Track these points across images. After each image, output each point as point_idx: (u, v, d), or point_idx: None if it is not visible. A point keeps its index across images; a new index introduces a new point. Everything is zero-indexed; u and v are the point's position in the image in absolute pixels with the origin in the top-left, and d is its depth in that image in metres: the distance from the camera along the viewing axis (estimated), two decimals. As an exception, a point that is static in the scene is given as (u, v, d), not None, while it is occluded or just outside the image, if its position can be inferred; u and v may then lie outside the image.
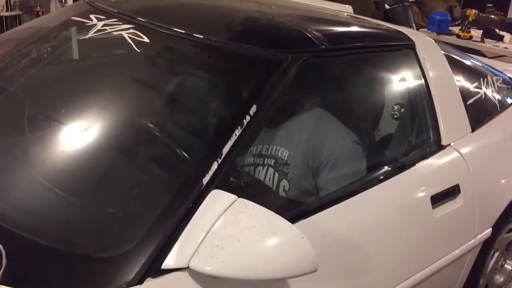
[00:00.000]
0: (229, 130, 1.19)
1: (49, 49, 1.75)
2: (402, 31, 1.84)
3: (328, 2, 2.24)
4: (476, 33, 4.75)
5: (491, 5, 9.79)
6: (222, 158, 1.15)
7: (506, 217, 1.86)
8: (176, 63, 1.51)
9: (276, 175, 1.68)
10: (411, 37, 1.79)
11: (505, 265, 2.16)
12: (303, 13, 1.85)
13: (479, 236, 1.72)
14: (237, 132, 1.19)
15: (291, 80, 1.36)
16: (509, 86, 2.19)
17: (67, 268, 1.00)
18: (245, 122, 1.21)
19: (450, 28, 4.88)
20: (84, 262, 1.01)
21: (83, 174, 1.23)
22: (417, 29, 5.41)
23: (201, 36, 1.44)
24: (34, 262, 1.01)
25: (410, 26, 5.50)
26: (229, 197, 1.08)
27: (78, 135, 1.30)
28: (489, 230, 1.76)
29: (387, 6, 5.89)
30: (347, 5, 2.24)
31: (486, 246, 1.80)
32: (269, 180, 1.68)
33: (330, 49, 1.50)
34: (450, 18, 4.91)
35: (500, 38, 4.61)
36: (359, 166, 1.66)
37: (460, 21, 5.21)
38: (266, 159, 1.70)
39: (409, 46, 1.76)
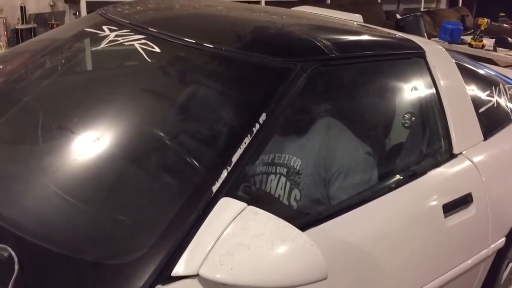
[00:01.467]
0: (238, 138, 1.20)
1: (62, 60, 1.78)
2: (412, 39, 1.84)
3: (338, 11, 2.26)
4: (488, 42, 4.73)
5: (503, 14, 9.75)
6: (231, 166, 1.15)
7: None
8: (187, 72, 1.53)
9: (288, 184, 1.68)
10: (421, 45, 1.78)
11: (519, 276, 2.13)
12: (313, 22, 1.86)
13: (492, 246, 1.70)
14: (247, 140, 1.20)
15: (300, 89, 1.36)
16: (521, 94, 2.18)
17: (77, 275, 1.01)
18: (254, 130, 1.22)
19: (462, 37, 4.86)
20: (94, 269, 1.02)
21: (95, 182, 1.24)
22: (429, 39, 5.41)
23: (211, 46, 1.46)
24: (45, 269, 1.02)
25: (421, 36, 5.49)
26: (239, 204, 1.09)
27: (90, 144, 1.32)
28: (503, 239, 1.74)
29: (398, 16, 5.91)
30: (357, 14, 2.25)
31: (500, 256, 1.78)
32: (281, 188, 1.69)
33: (340, 57, 1.51)
34: (462, 27, 4.89)
35: (513, 47, 4.58)
36: (370, 176, 1.66)
37: (472, 30, 5.20)
38: (278, 167, 1.71)
39: (420, 54, 1.76)
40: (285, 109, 1.33)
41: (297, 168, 1.70)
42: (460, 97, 1.79)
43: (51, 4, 4.73)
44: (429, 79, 1.74)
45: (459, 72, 1.84)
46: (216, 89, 1.50)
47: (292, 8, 2.35)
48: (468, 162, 1.67)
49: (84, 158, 1.30)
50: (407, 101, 1.82)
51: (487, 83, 2.02)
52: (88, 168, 1.28)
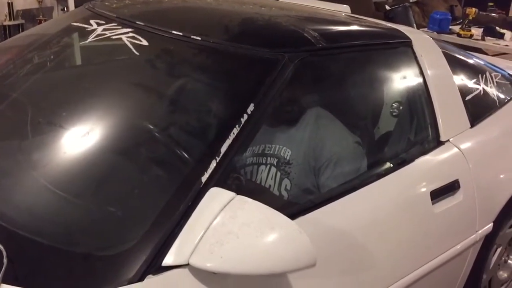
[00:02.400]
0: (227, 129, 1.21)
1: (50, 54, 1.78)
2: (399, 29, 1.85)
3: (326, 2, 2.26)
4: (476, 31, 4.76)
5: (492, 3, 9.81)
6: (220, 157, 1.16)
7: (507, 212, 1.86)
8: (175, 65, 1.53)
9: (278, 174, 1.70)
10: (408, 34, 1.80)
11: (509, 261, 2.16)
12: (300, 14, 1.87)
13: (480, 231, 1.72)
14: (235, 130, 1.21)
15: (288, 79, 1.37)
16: (509, 82, 2.20)
17: (69, 266, 1.02)
18: (242, 121, 1.23)
19: (450, 27, 4.88)
20: (86, 261, 1.03)
21: (85, 175, 1.25)
22: (418, 29, 5.43)
23: (199, 38, 1.46)
24: (36, 261, 1.03)
25: (410, 26, 5.51)
26: (228, 194, 1.10)
27: (79, 137, 1.32)
28: (490, 225, 1.76)
29: (387, 7, 5.92)
30: (345, 5, 2.26)
31: (488, 241, 1.80)
32: (271, 179, 1.70)
33: (327, 47, 1.52)
34: (451, 17, 4.91)
35: (501, 36, 4.62)
36: (360, 165, 1.67)
37: (461, 20, 5.22)
38: (268, 158, 1.72)
39: (406, 44, 1.77)
40: (273, 99, 1.33)
41: (287, 158, 1.71)
42: (447, 85, 1.80)
43: (39, 0, 4.71)
44: (416, 68, 1.75)
45: (445, 61, 1.85)
46: (204, 81, 1.51)
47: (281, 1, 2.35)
48: (455, 149, 1.69)
49: (73, 152, 1.31)
50: (395, 90, 1.84)
51: (473, 71, 2.04)
52: (78, 161, 1.29)
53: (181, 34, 1.49)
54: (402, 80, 1.80)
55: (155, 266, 1.02)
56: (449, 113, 1.75)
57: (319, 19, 1.80)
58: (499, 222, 1.81)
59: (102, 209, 1.17)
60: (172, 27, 1.52)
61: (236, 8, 1.80)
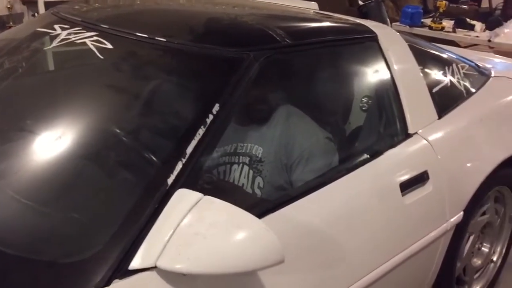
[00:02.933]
0: (192, 129, 1.21)
1: (15, 61, 1.75)
2: (365, 24, 1.87)
3: (295, 0, 2.27)
4: (448, 23, 4.82)
5: (465, -5, 9.95)
6: (186, 158, 1.16)
7: (477, 200, 1.89)
8: (140, 67, 1.52)
9: (251, 172, 1.70)
10: (373, 29, 1.82)
11: (482, 248, 2.20)
12: (267, 12, 1.87)
13: (451, 220, 1.75)
14: (201, 131, 1.21)
15: (254, 78, 1.38)
16: (477, 73, 2.24)
17: (34, 275, 1.01)
18: (208, 121, 1.23)
19: (423, 20, 4.94)
20: (50, 268, 1.02)
21: (48, 181, 1.24)
22: (391, 23, 5.48)
23: (164, 39, 1.46)
24: (0, 272, 1.02)
25: (384, 21, 5.55)
26: (195, 195, 1.10)
27: (42, 143, 1.31)
28: (461, 213, 1.79)
29: (360, 2, 5.95)
30: (313, 2, 2.27)
31: (459, 230, 1.83)
32: (244, 177, 1.71)
33: (292, 45, 1.53)
34: (422, 11, 4.97)
35: (471, 28, 4.68)
36: (331, 160, 1.69)
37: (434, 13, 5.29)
38: (241, 157, 1.73)
39: (372, 38, 1.79)
40: (239, 98, 1.34)
41: (259, 156, 1.72)
42: (414, 78, 1.83)
43: (8, 6, 4.64)
44: (382, 62, 1.77)
45: (412, 54, 1.87)
46: (170, 82, 1.51)
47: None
48: (423, 141, 1.72)
49: (37, 158, 1.29)
50: (363, 85, 1.86)
51: (440, 63, 2.07)
52: (42, 168, 1.27)
53: (146, 36, 1.49)
54: (369, 74, 1.82)
55: (121, 270, 1.02)
56: (416, 106, 1.78)
57: (285, 17, 1.80)
58: (469, 210, 1.84)
59: (67, 216, 1.16)
60: (136, 30, 1.51)
61: (203, 9, 1.80)
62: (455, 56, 2.25)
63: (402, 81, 1.76)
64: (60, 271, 1.01)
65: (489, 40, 4.28)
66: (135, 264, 1.03)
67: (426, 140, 1.73)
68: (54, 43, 1.57)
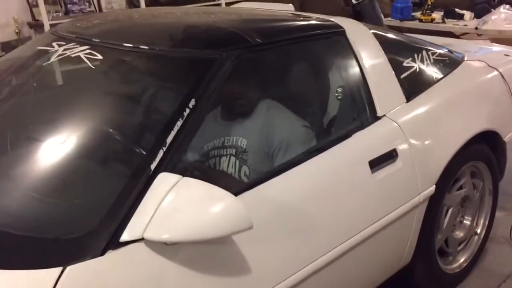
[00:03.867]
0: (171, 122, 1.40)
1: (20, 77, 1.97)
2: (334, 20, 2.04)
3: (272, 3, 2.46)
4: (438, 15, 4.95)
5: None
6: (166, 146, 1.35)
7: (449, 175, 2.04)
8: (126, 72, 1.72)
9: (237, 162, 1.88)
10: (340, 24, 1.99)
11: (464, 221, 2.33)
12: (242, 16, 2.06)
13: (423, 193, 1.89)
14: (179, 123, 1.39)
15: (227, 75, 1.55)
16: (447, 58, 2.38)
17: (42, 249, 1.20)
18: (185, 114, 1.41)
19: (413, 13, 5.08)
20: (55, 243, 1.21)
21: (53, 177, 1.43)
22: (385, 18, 5.62)
23: (147, 47, 1.66)
24: (15, 248, 1.21)
25: (378, 18, 5.70)
26: (174, 177, 1.28)
27: (46, 146, 1.51)
28: (433, 187, 1.93)
29: (354, 1, 6.11)
30: (289, 4, 2.46)
31: (434, 203, 1.98)
32: (232, 167, 1.88)
33: (263, 43, 1.71)
34: (411, 4, 5.12)
35: (461, 17, 4.81)
36: (309, 146, 1.86)
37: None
38: (228, 149, 1.91)
39: (340, 33, 1.96)
40: (214, 94, 1.51)
41: (244, 147, 1.90)
42: (380, 66, 1.99)
43: (16, 31, 4.89)
44: (351, 53, 1.94)
45: (378, 45, 2.04)
46: (153, 83, 1.69)
47: (232, 6, 2.55)
48: (391, 122, 1.87)
49: (43, 159, 1.49)
50: (335, 76, 2.02)
51: (409, 51, 2.21)
52: (48, 166, 1.47)
53: (131, 45, 1.68)
54: (340, 66, 1.98)
55: (114, 243, 1.20)
56: (384, 91, 1.94)
57: (256, 19, 1.99)
58: (441, 184, 1.98)
59: (68, 202, 1.35)
60: (123, 41, 1.71)
61: (182, 18, 2.00)
62: (426, 44, 2.39)
63: (369, 69, 1.93)
64: (63, 244, 1.20)
65: (476, 28, 4.40)
66: (125, 237, 1.21)
67: (394, 121, 1.88)
68: (53, 58, 1.77)
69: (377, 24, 5.24)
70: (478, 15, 4.73)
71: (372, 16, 5.78)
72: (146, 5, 5.22)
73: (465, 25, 4.63)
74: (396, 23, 4.93)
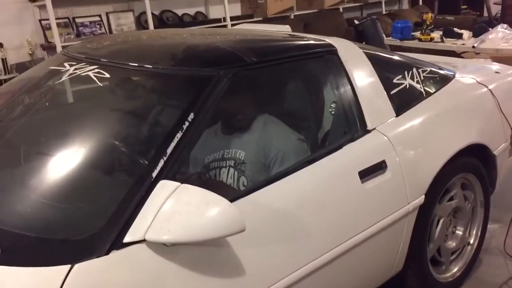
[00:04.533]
0: (172, 133, 1.52)
1: (34, 96, 2.11)
2: (326, 40, 2.17)
3: (270, 25, 2.61)
4: (437, 34, 5.09)
5: (465, 6, 10.22)
6: (167, 156, 1.47)
7: (440, 186, 2.13)
8: (131, 89, 1.86)
9: (236, 173, 2.00)
10: (333, 43, 2.12)
11: (457, 231, 2.42)
12: (237, 37, 2.20)
13: (412, 203, 1.99)
14: (179, 135, 1.52)
15: (224, 91, 1.68)
16: (437, 75, 2.50)
17: (51, 249, 1.32)
18: (184, 126, 1.54)
19: (413, 33, 5.22)
20: (65, 243, 1.33)
21: (64, 185, 1.56)
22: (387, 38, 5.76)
23: (150, 66, 1.80)
24: (28, 248, 1.33)
25: (380, 37, 5.87)
26: (174, 184, 1.40)
27: (55, 155, 1.63)
28: (422, 197, 2.03)
29: (356, 22, 6.28)
30: (287, 26, 2.60)
31: (424, 213, 2.07)
32: (231, 178, 2.01)
33: (258, 62, 1.84)
34: (411, 24, 5.26)
35: (460, 36, 4.94)
36: (303, 157, 1.97)
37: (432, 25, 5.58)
38: (227, 161, 2.04)
39: (332, 52, 2.09)
40: (211, 108, 1.64)
41: (242, 159, 2.02)
42: (370, 83, 2.11)
43: (30, 53, 5.09)
44: (342, 71, 2.07)
45: (369, 63, 2.16)
46: (156, 99, 1.83)
47: (231, 27, 2.69)
48: (380, 135, 1.98)
49: (54, 170, 1.62)
50: (328, 92, 2.14)
51: (399, 69, 2.33)
52: (58, 175, 1.59)
53: (136, 65, 1.83)
54: (332, 83, 2.10)
55: (118, 244, 1.32)
56: (374, 106, 2.05)
57: (254, 40, 2.12)
58: (431, 194, 2.08)
59: (77, 207, 1.48)
60: (129, 60, 1.86)
61: (185, 39, 2.14)
62: (417, 63, 2.51)
63: (360, 86, 2.05)
64: (72, 245, 1.32)
65: (473, 47, 4.53)
66: (128, 238, 1.33)
67: (384, 134, 1.99)
68: (64, 77, 1.92)
69: (379, 44, 5.40)
70: (476, 34, 4.85)
71: (374, 36, 5.95)
72: (155, 27, 5.42)
73: (463, 44, 4.75)
74: (397, 42, 5.07)
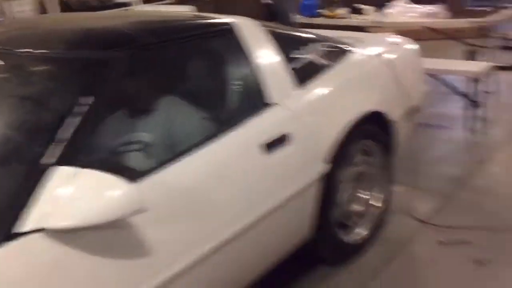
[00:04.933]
0: (64, 118, 1.48)
1: None
2: (223, 18, 2.19)
3: (174, 6, 2.58)
4: (343, 11, 5.28)
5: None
6: (62, 142, 1.44)
7: (342, 153, 2.24)
8: (26, 74, 1.78)
9: (141, 155, 1.98)
10: (230, 21, 2.15)
11: (360, 195, 2.56)
12: (140, 18, 2.17)
13: (316, 171, 2.09)
14: (73, 120, 1.48)
15: (122, 73, 1.66)
16: (337, 49, 2.60)
17: None
18: (79, 111, 1.50)
19: (320, 10, 5.39)
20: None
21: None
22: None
23: (47, 51, 1.74)
24: None
25: (286, 16, 6.02)
26: (68, 169, 1.37)
27: None
28: (325, 165, 2.13)
29: (263, 2, 6.42)
30: (191, 6, 2.59)
31: (328, 180, 2.17)
32: (137, 161, 1.98)
33: (155, 42, 1.83)
34: (317, 2, 5.42)
35: (364, 12, 5.17)
36: (207, 134, 1.99)
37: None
38: (132, 144, 2.01)
39: (226, 30, 2.11)
40: (109, 92, 1.61)
41: (147, 141, 2.00)
42: (270, 59, 2.16)
43: None
44: (240, 48, 2.10)
45: (266, 38, 2.20)
46: (50, 85, 1.75)
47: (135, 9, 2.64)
48: (281, 108, 2.05)
49: None
50: (228, 70, 2.16)
51: (300, 44, 2.40)
52: None
53: (30, 50, 1.76)
54: (230, 60, 2.13)
55: (9, 235, 1.27)
56: (274, 81, 2.11)
57: (151, 21, 2.10)
58: (334, 162, 2.18)
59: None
60: (24, 47, 1.79)
61: (83, 22, 2.08)
62: (317, 38, 2.60)
63: (260, 62, 2.10)
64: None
65: (372, 21, 4.77)
66: (22, 228, 1.29)
67: (285, 107, 2.06)
68: None
69: (286, 21, 5.54)
70: (380, 9, 5.09)
71: (282, 14, 6.12)
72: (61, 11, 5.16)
73: (364, 19, 4.98)
74: (306, 19, 5.21)
